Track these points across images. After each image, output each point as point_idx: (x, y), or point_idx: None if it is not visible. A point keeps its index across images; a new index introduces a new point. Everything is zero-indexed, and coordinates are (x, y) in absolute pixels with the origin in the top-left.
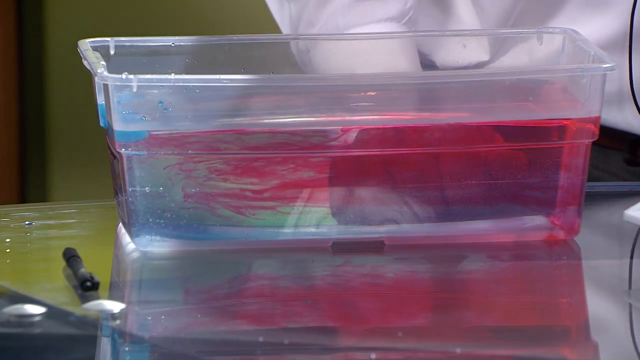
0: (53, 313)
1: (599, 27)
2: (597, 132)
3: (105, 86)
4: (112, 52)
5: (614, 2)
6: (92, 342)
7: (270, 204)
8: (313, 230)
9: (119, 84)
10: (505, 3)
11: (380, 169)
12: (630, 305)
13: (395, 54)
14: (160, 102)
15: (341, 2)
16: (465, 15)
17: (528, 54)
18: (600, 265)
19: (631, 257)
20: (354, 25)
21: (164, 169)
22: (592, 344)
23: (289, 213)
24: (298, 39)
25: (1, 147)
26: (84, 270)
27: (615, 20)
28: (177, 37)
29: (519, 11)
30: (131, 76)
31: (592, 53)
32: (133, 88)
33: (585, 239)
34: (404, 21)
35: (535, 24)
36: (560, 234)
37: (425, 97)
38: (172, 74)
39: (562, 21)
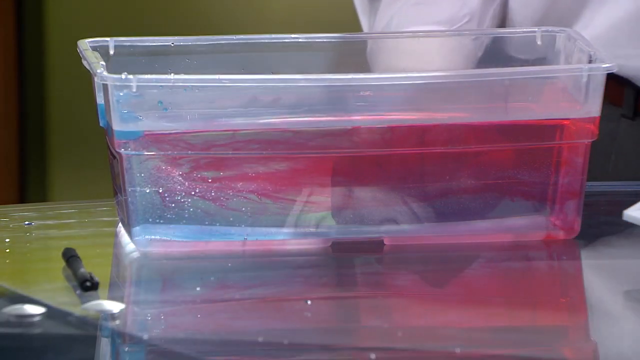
0: (53, 313)
1: None
2: (597, 132)
3: (105, 86)
4: (111, 52)
5: None
6: (91, 342)
7: (270, 203)
8: (313, 230)
9: (118, 84)
10: None
11: (380, 169)
12: (630, 306)
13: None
14: (160, 102)
15: (405, 4)
16: None
17: (528, 54)
18: (599, 265)
19: (630, 257)
20: (405, 25)
21: (163, 168)
22: (592, 344)
23: (288, 213)
24: (297, 39)
25: (1, 147)
26: (84, 270)
27: None
28: (176, 37)
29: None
30: (131, 76)
31: (592, 53)
32: (132, 88)
33: (584, 238)
34: (455, 27)
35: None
36: (560, 234)
37: (425, 97)
38: (172, 74)
39: None
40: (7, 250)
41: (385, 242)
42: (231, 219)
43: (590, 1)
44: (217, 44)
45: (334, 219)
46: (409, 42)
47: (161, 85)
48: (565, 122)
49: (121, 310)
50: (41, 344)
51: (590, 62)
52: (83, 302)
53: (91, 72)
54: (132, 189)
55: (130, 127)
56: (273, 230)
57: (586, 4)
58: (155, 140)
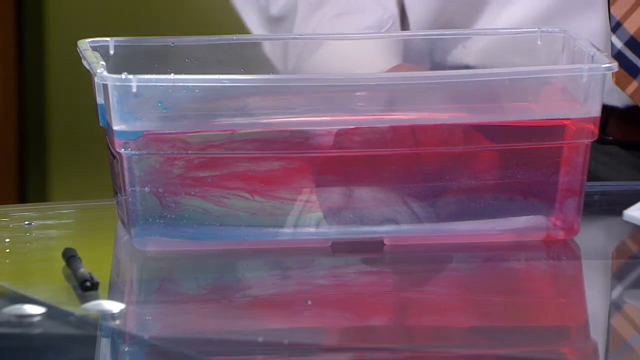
0: (53, 313)
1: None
2: (597, 132)
3: (105, 86)
4: (111, 52)
5: None
6: (91, 342)
7: (269, 203)
8: (313, 230)
9: (118, 84)
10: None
11: (380, 169)
12: (630, 306)
13: (385, 56)
14: (160, 102)
15: (324, 16)
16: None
17: (528, 54)
18: (599, 265)
19: (630, 257)
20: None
21: (163, 168)
22: (592, 344)
23: (288, 213)
24: (297, 39)
25: (1, 147)
26: (84, 270)
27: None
28: (177, 37)
29: (448, 12)
30: (131, 76)
31: (592, 53)
32: (132, 88)
33: (584, 239)
34: (383, 30)
35: (463, 24)
36: (560, 234)
37: (425, 97)
38: (172, 74)
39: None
40: (7, 250)
41: (385, 242)
42: (231, 219)
43: (488, 6)
44: (217, 44)
45: (334, 219)
46: (354, 44)
47: (161, 85)
48: (565, 122)
49: (121, 310)
50: (41, 344)
51: (589, 62)
52: (83, 302)
53: (91, 72)
54: (132, 189)
55: (130, 127)
56: (273, 230)
57: (484, 9)
58: (155, 140)
